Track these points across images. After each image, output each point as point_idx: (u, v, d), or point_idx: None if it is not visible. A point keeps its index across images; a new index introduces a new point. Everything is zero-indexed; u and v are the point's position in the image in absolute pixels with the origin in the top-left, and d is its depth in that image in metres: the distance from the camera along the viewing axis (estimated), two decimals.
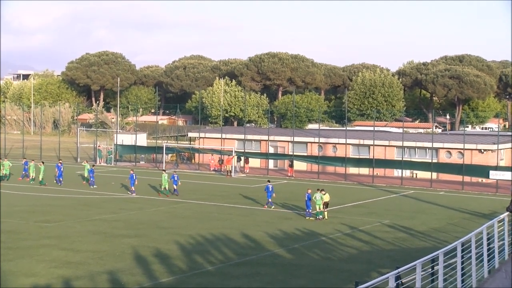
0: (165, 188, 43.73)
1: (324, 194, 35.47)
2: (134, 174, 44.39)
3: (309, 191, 36.11)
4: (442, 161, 56.59)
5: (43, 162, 50.52)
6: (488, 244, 18.66)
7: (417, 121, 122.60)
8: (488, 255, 18.42)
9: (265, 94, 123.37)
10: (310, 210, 35.58)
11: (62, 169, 48.89)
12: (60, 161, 51.12)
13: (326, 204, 35.55)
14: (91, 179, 47.81)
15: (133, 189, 43.95)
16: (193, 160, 67.82)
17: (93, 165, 51.16)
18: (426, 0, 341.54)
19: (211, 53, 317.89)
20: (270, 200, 38.95)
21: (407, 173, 57.21)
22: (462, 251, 16.89)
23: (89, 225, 32.05)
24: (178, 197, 42.73)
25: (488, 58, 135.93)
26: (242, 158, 61.32)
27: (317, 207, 35.15)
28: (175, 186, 43.71)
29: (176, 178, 43.83)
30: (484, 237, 18.33)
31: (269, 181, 40.72)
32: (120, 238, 28.78)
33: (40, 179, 47.96)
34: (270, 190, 38.81)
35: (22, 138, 74.62)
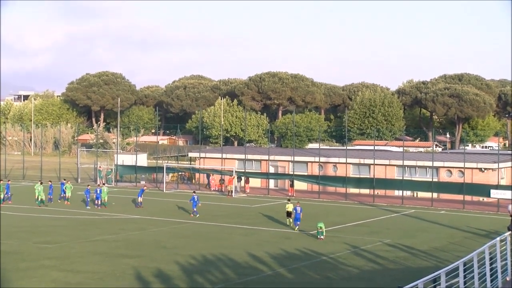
0: (68, 196, 48.78)
1: (291, 204, 38.97)
2: (89, 189, 48.22)
3: (297, 204, 38.57)
4: (442, 180, 56.50)
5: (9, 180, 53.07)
6: (491, 264, 18.55)
7: (417, 140, 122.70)
8: (491, 275, 18.31)
9: (265, 114, 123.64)
10: (299, 223, 37.72)
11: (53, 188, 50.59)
12: (50, 181, 52.69)
13: (289, 214, 38.91)
14: (88, 199, 47.82)
15: (89, 201, 47.70)
16: (193, 180, 67.75)
17: (88, 185, 51.07)
18: (425, 17, 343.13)
19: (211, 72, 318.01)
20: (195, 209, 43.24)
21: (407, 191, 57.10)
22: (464, 270, 16.80)
23: (89, 246, 31.94)
24: (179, 217, 42.68)
25: (487, 77, 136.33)
26: (243, 178, 61.24)
27: (318, 227, 35.14)
28: (140, 199, 48.24)
29: (141, 192, 48.65)
30: (486, 257, 18.24)
31: (194, 192, 47.05)
32: (120, 259, 28.67)
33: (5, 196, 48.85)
34: (196, 200, 43.41)
35: (23, 158, 74.60)
